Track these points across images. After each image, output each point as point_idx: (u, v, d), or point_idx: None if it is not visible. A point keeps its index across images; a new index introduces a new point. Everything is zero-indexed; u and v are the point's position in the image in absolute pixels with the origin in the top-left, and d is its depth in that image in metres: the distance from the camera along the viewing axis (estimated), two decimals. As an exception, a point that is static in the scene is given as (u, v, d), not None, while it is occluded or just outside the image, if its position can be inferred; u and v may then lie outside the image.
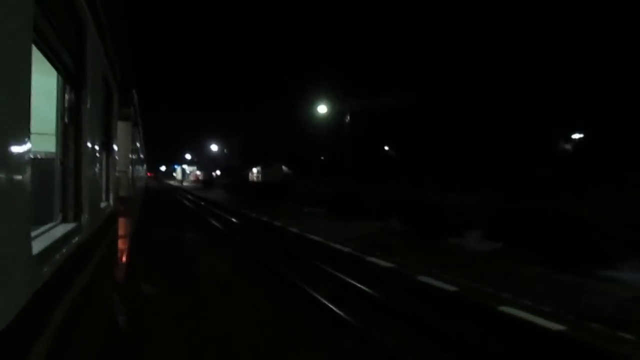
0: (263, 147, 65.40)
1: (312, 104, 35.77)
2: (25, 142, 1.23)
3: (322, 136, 42.54)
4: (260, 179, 62.34)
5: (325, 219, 20.34)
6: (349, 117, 28.39)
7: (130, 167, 8.96)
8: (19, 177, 1.18)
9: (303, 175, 43.38)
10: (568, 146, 30.28)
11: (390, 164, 35.30)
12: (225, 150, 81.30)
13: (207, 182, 75.64)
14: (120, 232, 6.45)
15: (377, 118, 39.47)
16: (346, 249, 11.99)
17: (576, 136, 29.35)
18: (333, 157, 40.42)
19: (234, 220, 21.40)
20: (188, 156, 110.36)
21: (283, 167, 59.91)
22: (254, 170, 66.68)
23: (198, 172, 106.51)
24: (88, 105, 2.63)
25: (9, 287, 1.13)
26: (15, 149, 1.14)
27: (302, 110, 44.48)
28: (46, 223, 2.24)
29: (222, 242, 14.33)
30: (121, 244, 6.64)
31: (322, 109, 28.90)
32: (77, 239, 2.21)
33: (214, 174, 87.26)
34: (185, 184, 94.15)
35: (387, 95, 35.90)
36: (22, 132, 1.22)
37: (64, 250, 1.87)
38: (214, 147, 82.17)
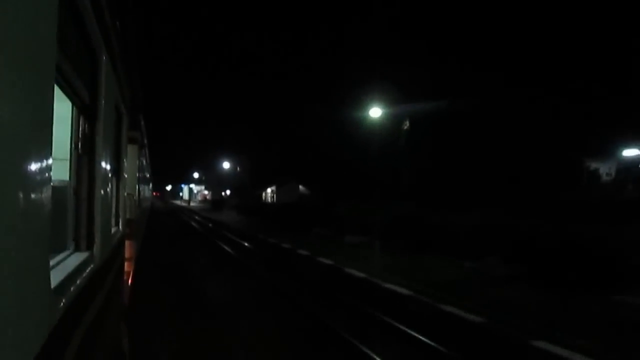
0: (280, 164, 59.66)
1: (352, 110, 29.39)
2: (47, 172, 1.28)
3: (366, 149, 34.87)
4: (274, 199, 59.56)
5: (382, 253, 15.83)
6: (407, 124, 22.53)
7: (137, 189, 9.11)
8: (42, 205, 1.23)
9: (333, 195, 35.92)
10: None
11: (462, 183, 28.50)
12: (238, 168, 79.00)
13: (217, 202, 70.65)
14: (127, 255, 6.54)
15: (447, 126, 31.75)
16: (474, 318, 7.83)
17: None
18: (380, 174, 33.42)
19: (262, 253, 17.20)
20: (196, 175, 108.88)
21: (300, 186, 56.27)
22: (268, 190, 63.89)
23: (206, 192, 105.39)
24: (101, 135, 2.74)
25: (31, 324, 1.17)
26: (39, 177, 1.20)
27: (337, 119, 36.99)
28: (60, 252, 2.31)
29: (256, 294, 10.31)
30: (127, 267, 6.71)
31: (375, 112, 21.81)
32: (90, 268, 2.29)
33: (223, 193, 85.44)
34: (192, 204, 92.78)
35: (457, 97, 30.00)
36: (46, 162, 1.27)
37: (78, 282, 1.94)
38: (226, 165, 78.39)
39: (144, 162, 14.34)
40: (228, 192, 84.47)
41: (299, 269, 13.61)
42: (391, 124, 23.98)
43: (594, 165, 32.14)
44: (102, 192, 2.87)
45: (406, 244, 16.63)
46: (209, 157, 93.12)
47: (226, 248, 18.23)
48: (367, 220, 21.06)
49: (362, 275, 12.02)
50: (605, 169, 32.77)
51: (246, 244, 19.93)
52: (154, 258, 14.35)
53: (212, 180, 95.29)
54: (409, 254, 15.45)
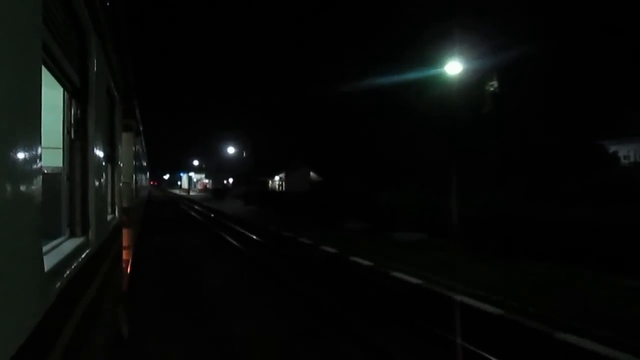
0: (294, 146, 51.87)
1: (407, 69, 23.09)
2: (37, 159, 1.30)
3: (428, 121, 25.89)
4: (282, 187, 55.19)
5: (468, 258, 11.61)
6: (495, 83, 17.23)
7: (133, 178, 9.13)
8: (32, 192, 1.27)
9: (370, 181, 28.82)
10: None
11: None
12: (244, 153, 75.04)
13: (220, 191, 64.59)
14: (124, 243, 6.59)
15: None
16: None
17: None
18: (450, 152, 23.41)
19: (301, 264, 12.01)
20: (196, 162, 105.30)
21: (311, 172, 50.25)
22: (276, 177, 59.05)
23: (205, 180, 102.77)
24: (93, 120, 2.76)
25: (24, 305, 1.20)
26: (28, 165, 1.23)
27: (381, 85, 28.10)
28: (55, 238, 2.33)
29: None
30: (125, 255, 6.77)
31: (453, 67, 15.34)
32: (85, 253, 2.32)
33: (225, 182, 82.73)
34: (192, 193, 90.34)
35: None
36: (34, 149, 1.29)
37: (74, 266, 1.97)
38: (231, 150, 71.77)
39: (141, 150, 14.35)
40: (230, 180, 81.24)
41: (385, 302, 8.28)
42: (469, 84, 17.95)
43: (613, 147, 30.47)
44: (96, 177, 2.90)
45: (497, 246, 12.14)
46: (210, 143, 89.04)
47: (247, 252, 13.76)
48: (423, 213, 16.61)
49: (506, 315, 6.86)
50: (624, 152, 31.59)
51: (272, 246, 14.92)
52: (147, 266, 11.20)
53: (212, 167, 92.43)
54: (507, 261, 11.04)
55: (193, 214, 32.96)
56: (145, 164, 22.06)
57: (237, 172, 75.12)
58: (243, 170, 70.88)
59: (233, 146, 72.39)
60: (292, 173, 52.23)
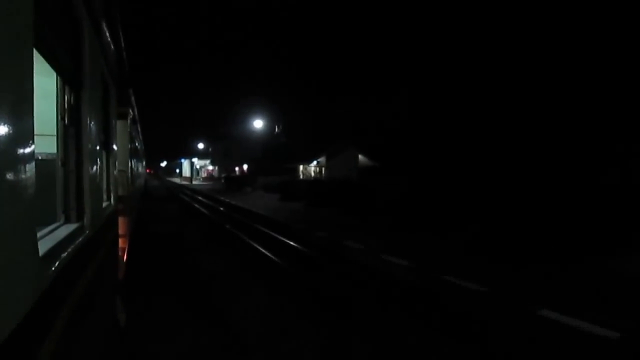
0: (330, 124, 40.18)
1: None
2: (30, 144, 1.35)
3: None
4: (321, 174, 44.76)
5: None
6: None
7: (129, 166, 9.16)
8: (25, 179, 1.35)
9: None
10: None
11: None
12: (277, 128, 60.06)
13: (234, 180, 50.48)
14: (120, 231, 6.63)
15: None
16: None
17: None
18: None
19: None
20: (201, 145, 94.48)
21: (360, 155, 38.16)
22: (314, 162, 47.07)
23: (210, 167, 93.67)
24: (87, 106, 2.80)
25: (18, 289, 1.24)
26: (21, 151, 1.30)
27: None
28: (49, 224, 2.38)
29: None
30: (121, 243, 6.82)
31: None
32: (80, 239, 2.37)
33: (237, 169, 73.12)
34: (194, 182, 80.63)
35: None
36: (27, 134, 1.34)
37: (69, 251, 2.01)
38: (258, 124, 58.26)
39: (136, 140, 14.36)
40: (245, 167, 69.77)
41: None
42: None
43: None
44: (91, 164, 2.95)
45: None
46: (218, 123, 79.74)
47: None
48: None
49: None
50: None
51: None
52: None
53: (220, 152, 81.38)
54: None
55: (210, 214, 22.90)
56: (141, 150, 22.07)
57: (252, 156, 64.10)
58: (258, 154, 60.54)
59: (261, 120, 58.47)
60: (335, 157, 40.75)
